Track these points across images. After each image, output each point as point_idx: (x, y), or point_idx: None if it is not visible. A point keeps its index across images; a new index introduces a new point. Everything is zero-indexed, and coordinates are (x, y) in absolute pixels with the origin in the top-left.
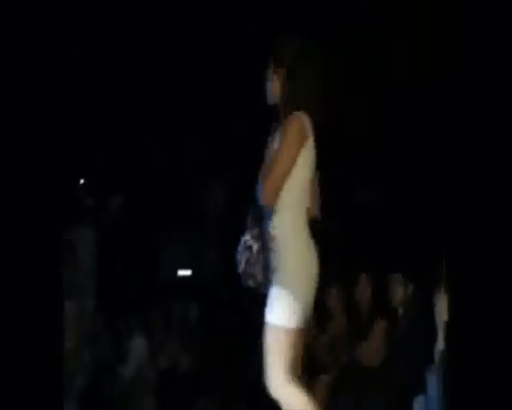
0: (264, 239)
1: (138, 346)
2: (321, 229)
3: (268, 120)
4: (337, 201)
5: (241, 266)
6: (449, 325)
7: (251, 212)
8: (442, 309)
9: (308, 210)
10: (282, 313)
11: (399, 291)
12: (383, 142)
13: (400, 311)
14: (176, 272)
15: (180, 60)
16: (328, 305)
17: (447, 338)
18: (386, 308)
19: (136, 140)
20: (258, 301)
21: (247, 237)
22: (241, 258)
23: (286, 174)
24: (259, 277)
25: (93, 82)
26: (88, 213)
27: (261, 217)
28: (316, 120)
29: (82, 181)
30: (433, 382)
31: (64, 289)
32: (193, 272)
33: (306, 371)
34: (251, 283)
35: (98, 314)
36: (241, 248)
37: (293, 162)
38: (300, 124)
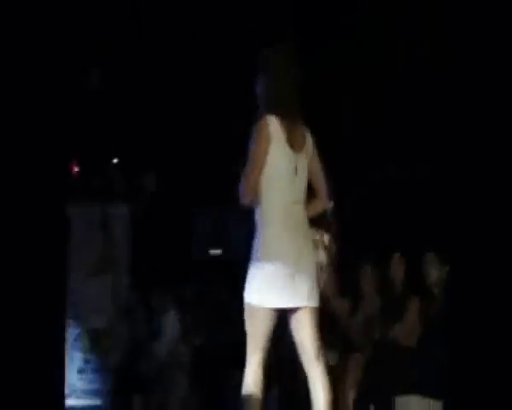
0: None
1: (171, 322)
2: (330, 221)
3: None
4: (371, 179)
5: None
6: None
7: None
8: None
9: (317, 203)
10: (247, 291)
11: (434, 270)
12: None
13: (435, 290)
14: (207, 250)
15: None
16: (362, 284)
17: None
18: (421, 287)
19: (167, 118)
20: None
21: None
22: None
23: (256, 173)
24: None
25: (122, 64)
26: (123, 191)
27: None
28: (292, 121)
29: (115, 160)
30: None
31: (99, 265)
32: (223, 250)
33: (340, 349)
34: None
35: (132, 291)
36: None
37: (259, 161)
38: (264, 126)
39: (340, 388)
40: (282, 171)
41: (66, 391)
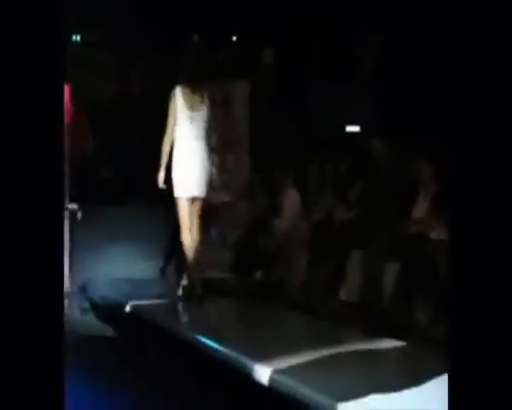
0: None
1: (291, 199)
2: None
3: None
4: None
5: None
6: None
7: None
8: None
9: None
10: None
11: None
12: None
13: None
14: (329, 128)
15: None
16: None
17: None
18: None
19: None
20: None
21: None
22: None
23: (170, 128)
24: None
25: None
26: (243, 70)
27: None
28: (193, 90)
29: (234, 37)
30: None
31: (221, 142)
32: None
33: None
34: None
35: (254, 169)
36: None
37: (171, 119)
38: (171, 96)
39: None
40: (181, 120)
41: None
